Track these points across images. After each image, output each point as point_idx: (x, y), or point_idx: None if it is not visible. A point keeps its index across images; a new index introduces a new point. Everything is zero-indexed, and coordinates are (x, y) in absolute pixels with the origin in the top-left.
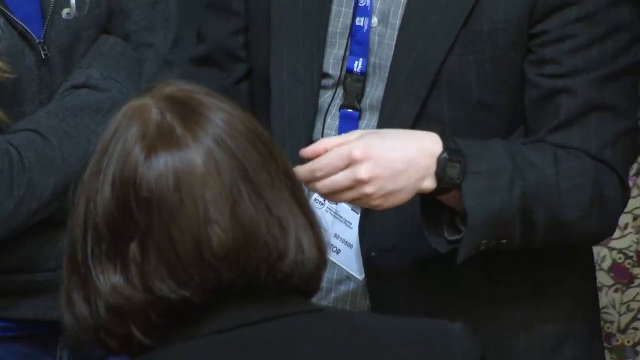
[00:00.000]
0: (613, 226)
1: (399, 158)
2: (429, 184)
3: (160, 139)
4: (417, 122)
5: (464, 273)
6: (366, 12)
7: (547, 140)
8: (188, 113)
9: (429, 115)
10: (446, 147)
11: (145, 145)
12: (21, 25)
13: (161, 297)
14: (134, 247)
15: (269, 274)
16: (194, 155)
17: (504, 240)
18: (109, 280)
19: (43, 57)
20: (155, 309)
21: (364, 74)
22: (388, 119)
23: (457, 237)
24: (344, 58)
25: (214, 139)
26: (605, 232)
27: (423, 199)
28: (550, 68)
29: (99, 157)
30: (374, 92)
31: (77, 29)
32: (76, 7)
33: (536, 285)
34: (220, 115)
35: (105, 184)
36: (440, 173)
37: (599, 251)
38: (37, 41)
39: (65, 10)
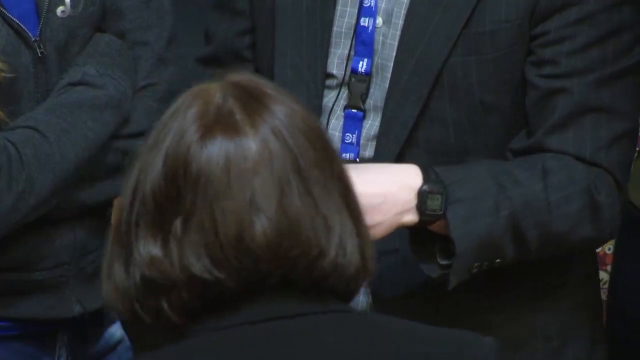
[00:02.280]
0: (613, 229)
1: (375, 192)
2: (411, 217)
3: (218, 121)
4: (419, 122)
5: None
6: (371, 13)
7: (543, 144)
8: (250, 101)
9: (431, 116)
10: (426, 179)
11: (202, 125)
12: (17, 23)
13: (196, 276)
14: (177, 223)
15: (306, 270)
16: (249, 141)
17: (498, 260)
18: (148, 252)
19: (39, 55)
20: (189, 288)
21: (368, 74)
22: (390, 119)
23: (449, 262)
24: (348, 58)
25: (272, 130)
26: (604, 235)
27: (411, 228)
28: (549, 69)
29: (157, 132)
30: (377, 92)
31: (72, 27)
32: (71, 5)
33: (538, 288)
34: (281, 108)
35: (158, 157)
36: (422, 207)
37: None
38: (33, 39)
39: (60, 9)
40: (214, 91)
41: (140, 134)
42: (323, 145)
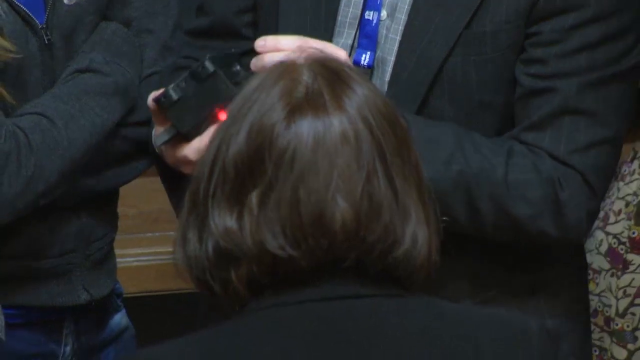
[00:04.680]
0: (579, 231)
1: None
2: None
3: (306, 100)
4: None
5: (460, 274)
6: (376, 6)
7: (519, 139)
8: (337, 82)
9: (430, 114)
10: None
11: (290, 102)
12: (24, 10)
13: (268, 251)
14: (254, 196)
15: (379, 257)
16: (338, 123)
17: (445, 218)
18: (223, 223)
19: (46, 42)
20: (260, 262)
21: (371, 67)
22: None
23: None
24: (352, 48)
25: (358, 112)
26: (569, 235)
27: None
28: (536, 68)
29: (241, 104)
30: (378, 85)
31: (78, 14)
32: None
33: (532, 283)
34: (365, 92)
35: (242, 130)
36: None
37: (597, 235)
38: (40, 26)
39: None
40: (300, 68)
41: (147, 122)
42: (402, 132)
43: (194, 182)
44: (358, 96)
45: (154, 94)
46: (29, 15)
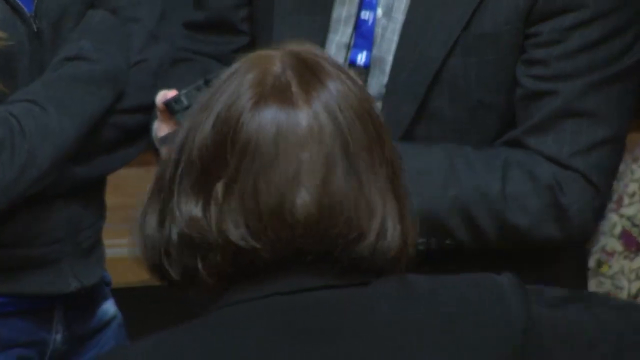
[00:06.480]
0: (584, 232)
1: None
2: None
3: (273, 92)
4: (417, 120)
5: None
6: (371, 6)
7: (521, 142)
8: (308, 75)
9: (429, 114)
10: None
11: (257, 93)
12: None
13: (231, 242)
14: (218, 187)
15: (344, 250)
16: (301, 116)
17: (448, 241)
18: (189, 211)
19: (35, 30)
20: (224, 252)
21: (367, 67)
22: (388, 116)
23: None
24: (348, 47)
25: (325, 107)
26: (575, 238)
27: None
28: (537, 69)
29: (212, 93)
30: (375, 85)
31: (65, 2)
32: None
33: (532, 281)
34: (338, 86)
35: (209, 119)
36: None
37: (610, 218)
38: (29, 15)
39: None
40: (273, 60)
41: (135, 110)
42: (375, 127)
43: (161, 166)
44: (329, 90)
45: (164, 95)
46: (17, 3)
